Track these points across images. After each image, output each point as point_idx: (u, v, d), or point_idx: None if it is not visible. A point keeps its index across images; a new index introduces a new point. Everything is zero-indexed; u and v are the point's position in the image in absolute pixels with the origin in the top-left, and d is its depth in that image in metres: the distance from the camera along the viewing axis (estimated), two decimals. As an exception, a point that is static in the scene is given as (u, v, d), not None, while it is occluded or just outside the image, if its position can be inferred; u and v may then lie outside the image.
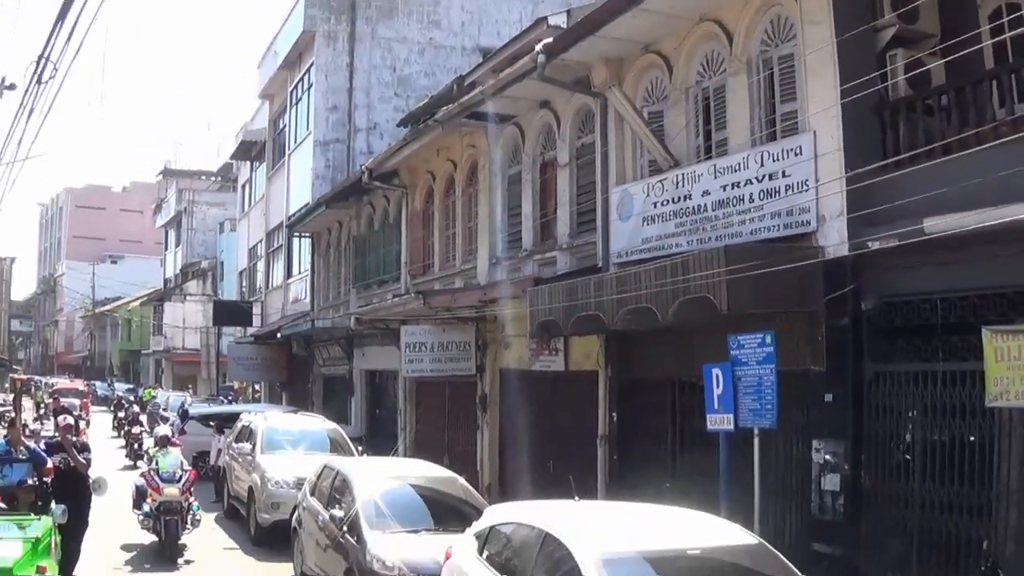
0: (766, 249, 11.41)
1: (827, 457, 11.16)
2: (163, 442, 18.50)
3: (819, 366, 11.30)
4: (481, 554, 8.89)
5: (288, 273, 38.64)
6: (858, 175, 10.53)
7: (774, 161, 11.87)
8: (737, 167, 12.49)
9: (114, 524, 17.72)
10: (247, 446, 19.51)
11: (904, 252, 10.04)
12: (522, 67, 16.30)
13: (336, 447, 19.25)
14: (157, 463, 17.81)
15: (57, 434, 15.64)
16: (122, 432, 35.37)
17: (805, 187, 11.40)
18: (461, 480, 13.71)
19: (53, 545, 12.06)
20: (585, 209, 16.54)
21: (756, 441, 10.80)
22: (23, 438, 14.18)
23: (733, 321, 11.32)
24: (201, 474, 21.57)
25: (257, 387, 43.70)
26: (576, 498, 9.26)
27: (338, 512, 12.70)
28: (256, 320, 42.50)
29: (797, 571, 7.66)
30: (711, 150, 13.70)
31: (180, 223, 67.77)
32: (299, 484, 15.93)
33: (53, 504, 12.63)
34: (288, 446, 19.11)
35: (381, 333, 23.72)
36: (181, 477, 17.41)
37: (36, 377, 68.53)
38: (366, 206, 27.97)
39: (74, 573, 13.79)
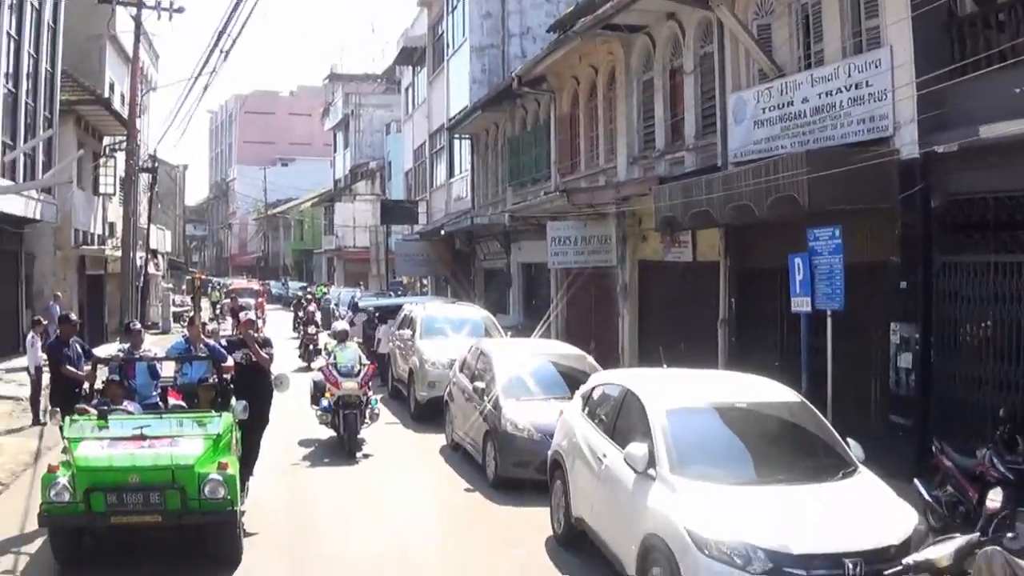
0: (843, 152, 13.33)
1: (902, 337, 13.15)
2: (341, 336, 19.20)
3: (895, 257, 13.24)
4: (583, 410, 11.29)
5: (450, 173, 41.39)
6: (927, 84, 12.31)
7: (859, 72, 13.71)
8: (829, 77, 14.35)
9: (292, 420, 18.08)
10: (408, 333, 22.28)
11: (963, 156, 11.90)
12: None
13: (487, 332, 21.71)
14: (335, 358, 18.37)
15: (237, 331, 16.00)
16: (299, 332, 36.06)
17: (884, 96, 13.23)
18: (589, 357, 16.14)
19: (234, 442, 12.56)
20: (708, 113, 18.55)
21: (829, 321, 12.88)
22: (203, 336, 14.76)
23: (821, 216, 13.31)
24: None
25: (424, 282, 46.65)
26: (664, 366, 11.60)
27: (480, 385, 15.35)
28: (422, 218, 45.51)
29: (831, 427, 9.80)
30: (810, 61, 15.55)
31: (347, 126, 71.13)
32: (452, 365, 18.40)
33: (234, 401, 13.05)
34: (444, 332, 21.64)
35: (534, 228, 26.21)
36: (359, 371, 17.90)
37: (212, 278, 73.60)
38: (519, 109, 30.30)
39: (254, 470, 14.12)
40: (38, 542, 11.63)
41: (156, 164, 42.80)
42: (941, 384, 12.80)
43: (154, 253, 46.70)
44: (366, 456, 17.11)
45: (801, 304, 13.15)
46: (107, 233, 40.84)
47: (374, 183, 64.66)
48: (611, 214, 21.91)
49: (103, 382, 13.56)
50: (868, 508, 8.30)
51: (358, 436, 17.42)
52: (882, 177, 12.92)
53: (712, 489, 8.41)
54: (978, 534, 7.26)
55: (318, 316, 35.48)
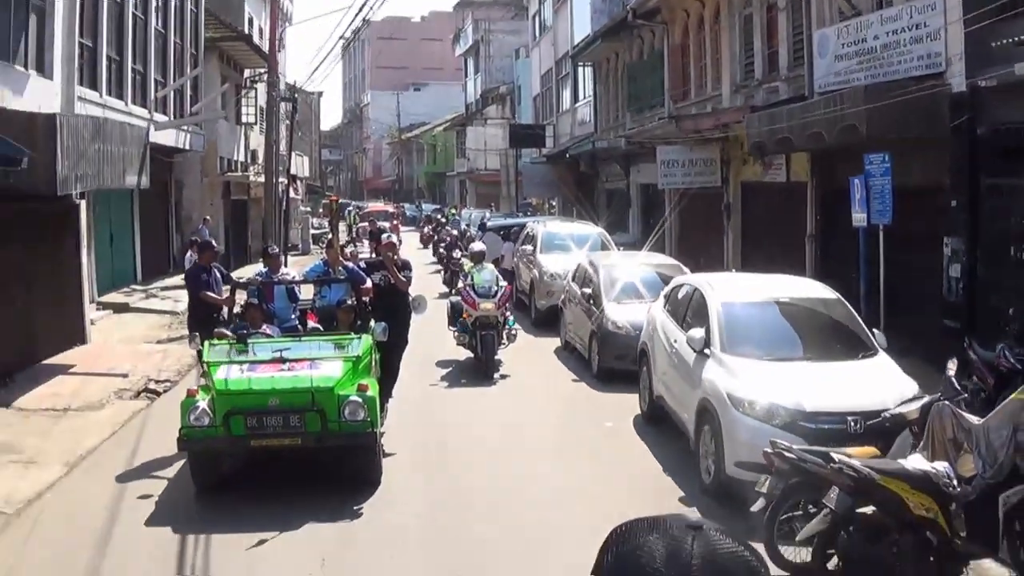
0: (899, 86, 15.43)
1: (953, 250, 15.31)
2: (478, 258, 19.63)
3: (946, 179, 15.37)
4: (664, 307, 13.85)
5: (575, 98, 43.78)
6: (974, 22, 14.34)
7: (918, 13, 15.74)
8: (895, 17, 16.40)
9: (429, 342, 18.45)
10: (529, 248, 24.98)
11: (1004, 90, 13.95)
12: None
13: (602, 247, 24.22)
14: (472, 279, 18.78)
15: (376, 254, 16.35)
16: (439, 257, 37.04)
17: (937, 35, 15.28)
18: (683, 266, 18.59)
19: (373, 364, 12.75)
20: (798, 47, 20.64)
21: (881, 235, 15.12)
22: (341, 259, 15.15)
23: (883, 143, 15.46)
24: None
25: (552, 203, 49.32)
26: (732, 270, 14.07)
27: (588, 291, 18.00)
28: (548, 142, 48.03)
29: (861, 321, 12.15)
30: (881, 2, 17.56)
31: (478, 51, 73.66)
32: (567, 276, 21.05)
33: (373, 323, 13.25)
34: (561, 247, 24.25)
35: (649, 152, 28.58)
36: (496, 292, 18.35)
37: (350, 201, 77.13)
38: (636, 39, 32.49)
39: (393, 391, 14.41)
40: (177, 465, 12.10)
41: (295, 95, 45.71)
42: (985, 291, 14.96)
43: (293, 178, 49.99)
44: (503, 377, 17.65)
45: (859, 220, 15.42)
46: (249, 160, 44.08)
47: (504, 107, 67.09)
48: (714, 139, 24.15)
49: (242, 306, 14.19)
50: (875, 381, 10.69)
51: (495, 357, 17.98)
52: (934, 109, 15.01)
53: (752, 364, 10.96)
54: (939, 395, 9.58)
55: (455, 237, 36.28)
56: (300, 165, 57.30)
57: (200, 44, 34.43)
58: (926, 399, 9.42)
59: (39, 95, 19.49)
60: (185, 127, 31.76)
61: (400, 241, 37.29)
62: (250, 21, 44.13)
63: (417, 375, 16.54)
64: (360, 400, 11.27)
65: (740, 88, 23.66)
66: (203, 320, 14.19)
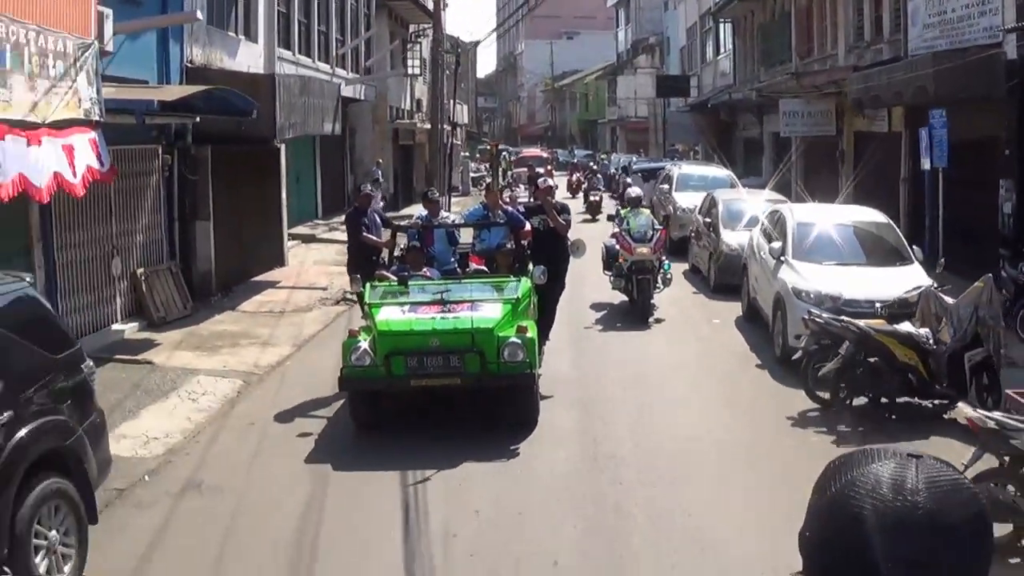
0: (963, 53, 18.93)
1: (1007, 190, 18.82)
2: (635, 203, 20.23)
3: (1002, 133, 18.87)
4: (761, 228, 17.81)
5: (716, 52, 47.29)
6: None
7: (984, -8, 19.21)
8: (969, -6, 19.88)
9: (583, 285, 19.17)
10: (666, 187, 29.01)
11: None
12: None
13: (731, 186, 27.95)
14: (628, 224, 19.31)
15: (534, 198, 16.61)
16: (589, 206, 38.56)
17: (997, 10, 18.74)
18: (787, 199, 22.30)
19: (532, 306, 13.07)
20: (898, 14, 24.08)
21: (940, 176, 18.75)
22: (500, 202, 15.39)
23: (951, 102, 19.00)
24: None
25: (696, 148, 52.93)
26: (815, 201, 17.98)
27: (709, 221, 21.96)
28: (693, 92, 51.57)
29: (904, 240, 15.85)
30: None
31: (628, 2, 77.00)
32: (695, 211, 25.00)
33: (531, 266, 13.51)
34: (693, 186, 28.09)
35: (777, 103, 32.19)
36: (652, 236, 19.00)
37: (504, 147, 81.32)
38: (768, 0, 35.98)
39: (549, 334, 14.81)
40: (335, 405, 12.84)
41: (459, 50, 49.99)
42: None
43: (454, 126, 54.44)
44: (658, 321, 18.41)
45: (925, 164, 19.07)
46: (414, 108, 48.60)
47: (653, 57, 70.23)
48: (829, 93, 27.70)
49: (402, 249, 14.52)
50: (902, 280, 14.35)
51: (651, 301, 18.74)
52: (992, 72, 18.50)
53: (813, 267, 14.93)
54: (931, 283, 13.36)
55: (600, 183, 39.79)
56: (459, 112, 61.81)
57: (372, 4, 39.05)
58: (922, 288, 13.25)
59: (247, 56, 24.20)
60: (343, 75, 36.39)
61: (556, 186, 41.07)
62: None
63: (571, 318, 17.09)
64: (519, 342, 11.63)
65: (852, 48, 27.16)
66: (363, 262, 14.85)
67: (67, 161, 12.78)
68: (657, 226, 19.63)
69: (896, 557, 1.64)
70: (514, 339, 11.62)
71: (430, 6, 41.68)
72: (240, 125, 18.98)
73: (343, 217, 19.94)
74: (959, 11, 20.18)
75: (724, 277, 20.32)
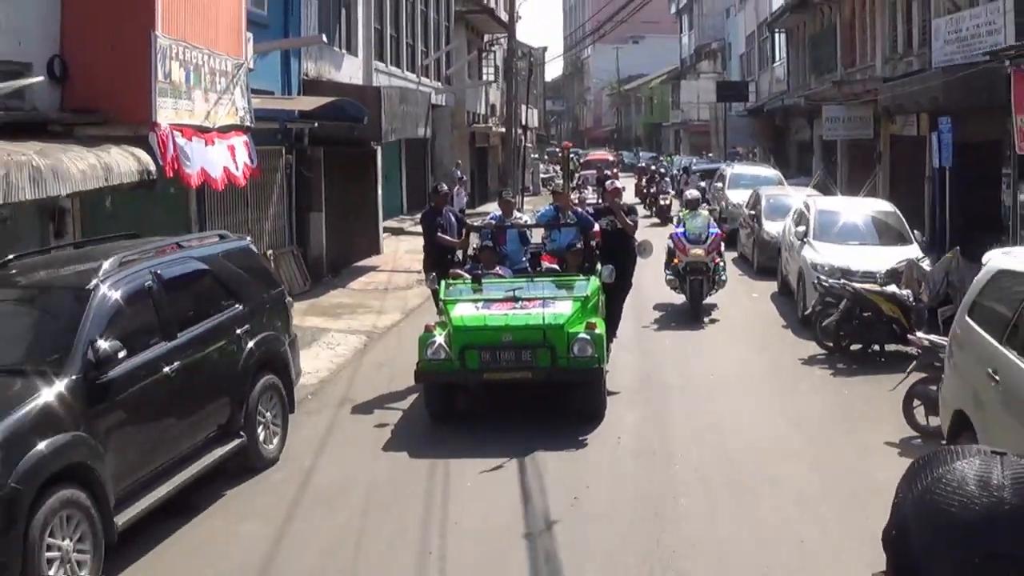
0: (969, 67, 22.08)
1: (1006, 181, 21.93)
2: (692, 204, 20.91)
3: (1004, 136, 21.98)
4: (793, 216, 21.04)
5: (772, 59, 50.45)
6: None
7: (988, 14, 22.33)
8: (978, 14, 23.00)
9: (645, 284, 19.34)
10: (720, 185, 32.39)
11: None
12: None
13: (777, 184, 31.27)
14: (685, 225, 20.02)
15: (603, 199, 17.78)
16: (648, 201, 40.39)
17: (1000, 30, 21.86)
18: (820, 195, 25.52)
19: (600, 304, 13.61)
20: (925, 30, 27.24)
21: (948, 175, 21.92)
22: (570, 204, 16.10)
23: (959, 110, 22.15)
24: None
25: (755, 151, 55.99)
26: (837, 193, 21.26)
27: (752, 212, 25.25)
28: (751, 97, 54.73)
29: (906, 225, 19.02)
30: (975, 1, 24.16)
31: (691, 9, 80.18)
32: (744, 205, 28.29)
33: (599, 265, 14.01)
34: (744, 184, 31.25)
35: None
36: (707, 238, 19.56)
37: (575, 150, 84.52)
38: (818, 13, 39.22)
39: (617, 332, 15.42)
40: (411, 398, 13.72)
41: (531, 59, 53.46)
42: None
43: (525, 129, 57.79)
44: (712, 321, 19.19)
45: (936, 162, 22.28)
46: (488, 112, 52.16)
47: (715, 62, 73.28)
48: (867, 101, 30.87)
49: (475, 248, 15.22)
50: (900, 256, 16.97)
51: (704, 302, 19.44)
52: (994, 84, 21.61)
53: (829, 246, 18.23)
54: (919, 256, 16.69)
55: (669, 187, 40.38)
56: (529, 116, 65.24)
57: (451, 18, 42.70)
58: (907, 261, 16.47)
59: (349, 69, 27.88)
60: (441, 85, 40.06)
61: (624, 188, 42.88)
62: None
63: (631, 315, 17.39)
64: (589, 338, 12.19)
65: (888, 60, 30.32)
66: (438, 261, 15.44)
67: (231, 158, 16.42)
68: (714, 228, 20.25)
69: (984, 552, 1.62)
70: (583, 335, 12.22)
71: (503, 18, 45.31)
72: (352, 130, 22.60)
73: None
74: (971, 30, 23.33)
75: (764, 260, 23.55)
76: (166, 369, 8.92)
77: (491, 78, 51.33)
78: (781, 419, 12.62)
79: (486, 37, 50.94)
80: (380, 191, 29.46)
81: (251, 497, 10.17)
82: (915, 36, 28.03)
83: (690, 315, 19.05)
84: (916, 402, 11.63)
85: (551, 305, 12.66)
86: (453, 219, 16.62)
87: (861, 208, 20.03)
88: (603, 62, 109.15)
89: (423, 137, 30.40)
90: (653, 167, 46.78)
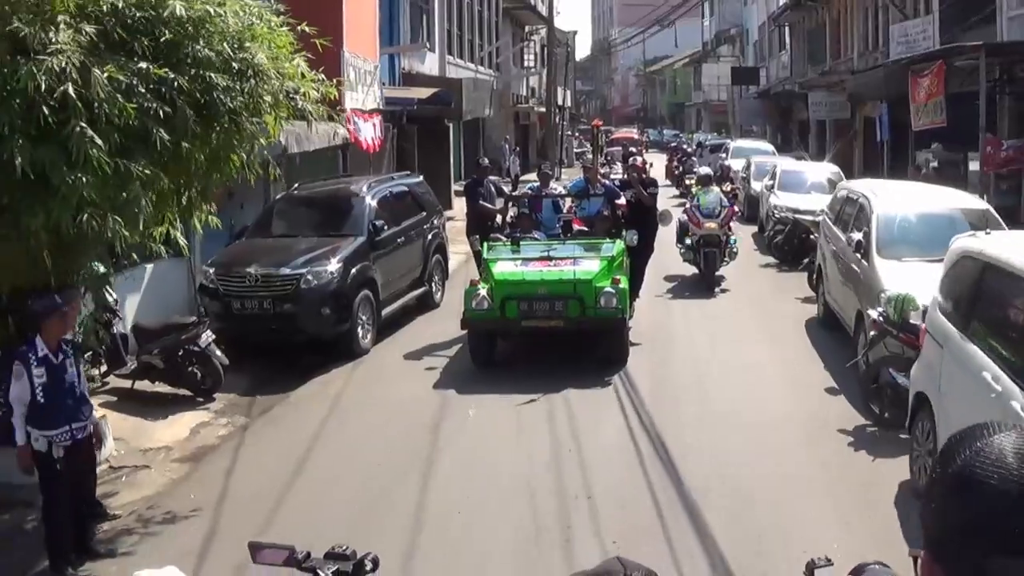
0: (907, 65, 29.79)
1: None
2: (705, 181, 22.39)
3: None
4: (770, 176, 28.82)
5: (780, 48, 58.12)
6: (946, 31, 28.58)
7: (923, 22, 29.99)
8: (917, 24, 30.63)
9: (663, 257, 20.36)
10: (723, 156, 39.93)
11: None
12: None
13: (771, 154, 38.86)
14: (698, 200, 21.16)
15: (627, 174, 19.18)
16: (677, 182, 41.75)
17: (930, 36, 29.53)
18: (812, 163, 33.16)
19: (624, 264, 15.14)
20: (887, 32, 34.90)
21: (887, 146, 29.64)
22: (599, 177, 17.99)
23: (897, 97, 29.84)
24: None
25: (766, 128, 63.30)
26: (807, 159, 29.10)
27: (744, 175, 32.90)
28: (763, 80, 62.27)
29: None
30: (917, 12, 31.84)
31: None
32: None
33: (624, 231, 15.50)
34: (744, 154, 38.06)
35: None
36: (720, 212, 20.66)
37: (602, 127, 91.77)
38: (812, 11, 46.91)
39: (639, 293, 17.14)
40: (455, 347, 15.53)
41: (568, 48, 61.04)
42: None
43: (560, 108, 65.23)
44: (723, 291, 20.31)
45: (878, 136, 30.00)
46: (529, 94, 59.90)
47: (734, 46, 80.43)
48: (843, 88, 38.61)
49: (513, 216, 17.14)
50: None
51: (716, 273, 20.51)
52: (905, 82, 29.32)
53: (786, 194, 25.91)
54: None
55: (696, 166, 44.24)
56: (565, 97, 72.85)
57: (500, 14, 50.55)
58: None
59: (430, 62, 35.77)
60: (491, 71, 47.94)
61: (647, 163, 44.81)
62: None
63: (651, 285, 19.05)
64: (613, 291, 13.74)
65: (862, 55, 38.05)
66: (479, 226, 17.66)
67: (373, 132, 24.37)
68: (726, 203, 21.63)
69: (1021, 525, 1.62)
70: (609, 289, 13.84)
71: (542, 11, 53.13)
72: (440, 112, 30.37)
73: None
74: (913, 35, 31.10)
75: (751, 211, 31.04)
76: (398, 240, 16.89)
77: (531, 64, 59.10)
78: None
79: (527, 28, 58.71)
80: (452, 160, 37.33)
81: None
82: (880, 36, 35.70)
83: (703, 285, 20.41)
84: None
85: (580, 263, 14.45)
86: (493, 189, 19.42)
87: (813, 169, 27.57)
88: (629, 43, 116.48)
89: (488, 115, 38.28)
90: (677, 145, 51.13)
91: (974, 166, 23.00)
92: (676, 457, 10.63)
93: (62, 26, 7.83)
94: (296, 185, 17.78)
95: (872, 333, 11.82)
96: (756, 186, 30.76)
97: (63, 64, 7.59)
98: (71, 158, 7.75)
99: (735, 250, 21.17)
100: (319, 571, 3.08)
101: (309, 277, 14.55)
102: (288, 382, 14.06)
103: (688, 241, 20.73)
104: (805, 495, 9.62)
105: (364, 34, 24.13)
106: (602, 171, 25.14)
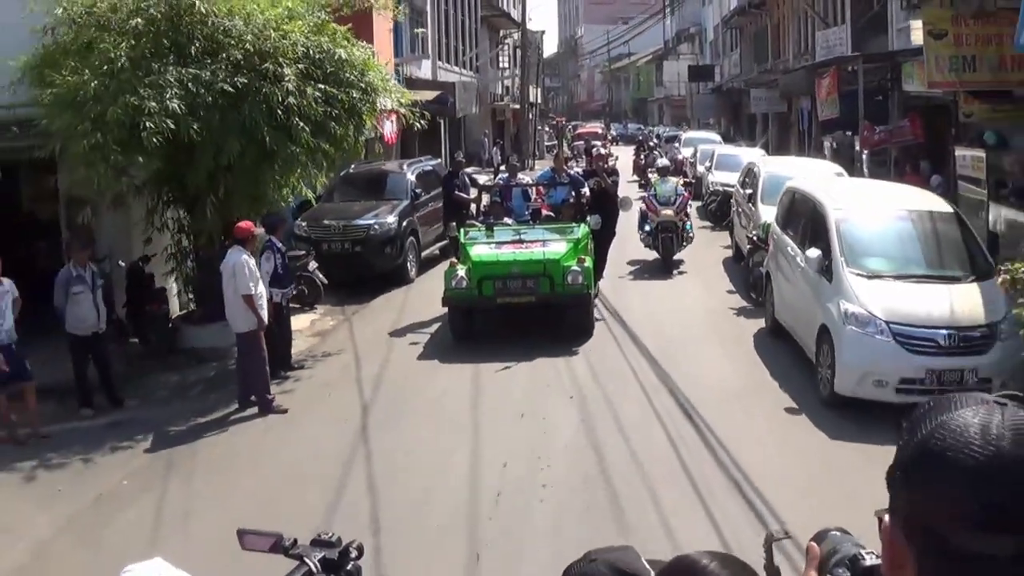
0: (818, 66, 36.80)
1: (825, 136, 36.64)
2: (664, 171, 24.05)
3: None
4: (710, 159, 35.78)
5: (732, 48, 65.20)
6: (858, 38, 35.58)
7: (838, 31, 36.98)
8: (836, 33, 37.63)
9: (625, 245, 22.09)
10: (676, 145, 46.81)
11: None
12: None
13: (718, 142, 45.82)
14: (655, 190, 22.60)
15: (589, 164, 21.88)
16: (641, 174, 43.01)
17: (843, 44, 36.53)
18: (748, 148, 40.20)
19: (589, 246, 16.88)
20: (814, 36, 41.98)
21: (807, 134, 36.68)
22: (564, 168, 19.73)
23: (809, 94, 36.87)
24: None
25: (721, 121, 70.24)
26: (742, 145, 36.10)
27: (692, 160, 39.89)
28: (718, 77, 69.26)
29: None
30: (835, 21, 38.90)
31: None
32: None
33: (588, 216, 17.27)
34: (697, 144, 45.02)
35: (759, 90, 50.25)
36: (676, 200, 21.98)
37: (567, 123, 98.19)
38: (756, 17, 53.84)
39: (603, 274, 19.10)
40: (434, 326, 17.47)
41: (538, 50, 67.81)
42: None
43: (532, 105, 71.97)
44: (680, 273, 21.96)
45: (801, 126, 37.01)
46: (504, 92, 66.70)
47: (693, 44, 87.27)
48: (780, 85, 45.56)
49: (487, 204, 19.04)
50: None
51: (674, 256, 22.12)
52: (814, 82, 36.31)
53: (722, 172, 32.85)
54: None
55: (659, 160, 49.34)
56: (536, 95, 79.70)
57: (479, 21, 57.45)
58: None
59: (424, 67, 42.57)
60: (470, 73, 54.78)
61: (610, 154, 42.42)
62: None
63: (612, 268, 20.60)
64: (579, 269, 15.34)
65: (796, 56, 45.02)
66: (455, 214, 20.00)
67: (392, 128, 31.10)
68: (681, 191, 23.13)
69: (981, 500, 1.64)
70: (575, 267, 15.33)
71: (515, 16, 60.08)
72: (438, 110, 37.02)
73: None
74: (832, 41, 37.99)
75: (696, 188, 36.92)
76: (429, 204, 23.43)
77: (506, 65, 65.99)
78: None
79: (501, 32, 65.66)
80: (443, 150, 44.19)
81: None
82: (810, 41, 42.65)
83: (662, 268, 22.16)
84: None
85: (549, 245, 16.13)
86: (468, 180, 22.26)
87: (744, 152, 34.34)
88: (596, 40, 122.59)
89: (474, 113, 45.22)
90: (643, 140, 53.98)
91: (858, 146, 29.68)
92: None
93: (286, 66, 14.61)
94: (352, 166, 24.46)
95: (748, 247, 18.98)
96: (700, 168, 37.47)
97: (290, 87, 14.38)
98: (291, 139, 14.55)
99: (691, 235, 23.04)
100: (306, 558, 3.10)
101: (376, 226, 21.25)
102: (364, 297, 20.67)
103: (647, 228, 22.42)
104: (707, 343, 16.27)
105: (384, 48, 30.88)
106: (568, 163, 26.25)
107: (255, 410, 13.39)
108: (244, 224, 13.96)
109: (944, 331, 12.08)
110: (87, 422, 13.30)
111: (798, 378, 13.81)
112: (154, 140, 13.02)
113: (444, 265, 18.77)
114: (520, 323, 16.35)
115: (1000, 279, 12.56)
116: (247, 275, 13.45)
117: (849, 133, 30.95)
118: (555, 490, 10.31)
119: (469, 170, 26.45)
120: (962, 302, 12.53)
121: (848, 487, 9.72)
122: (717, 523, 9.21)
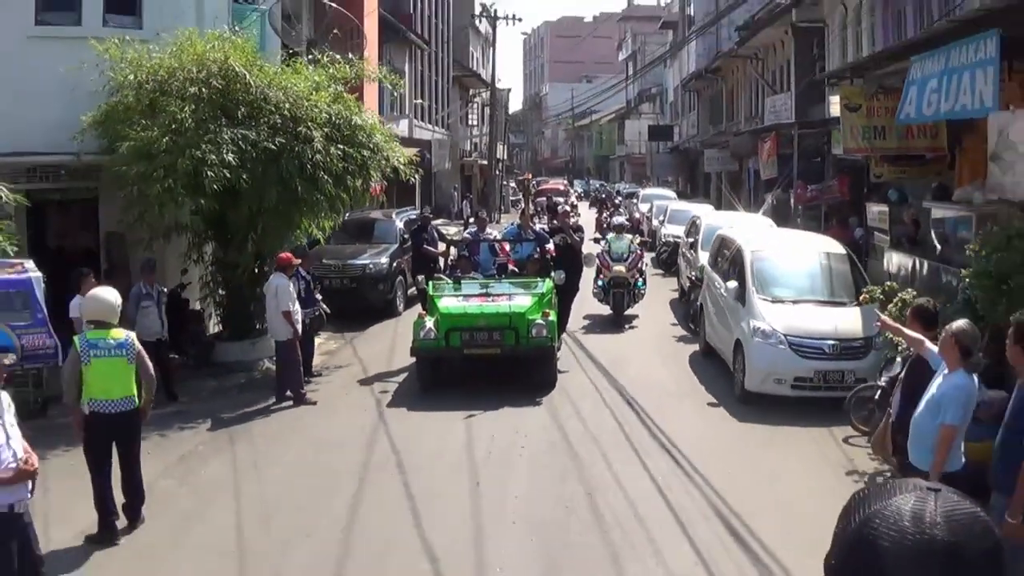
0: (770, 130, 40.96)
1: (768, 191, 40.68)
2: (619, 229, 24.78)
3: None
4: (663, 213, 39.71)
5: (690, 109, 69.48)
6: (801, 104, 39.74)
7: (783, 100, 41.19)
8: (778, 99, 41.83)
9: (584, 299, 23.25)
10: (635, 201, 50.63)
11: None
12: None
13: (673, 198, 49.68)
14: (610, 246, 23.44)
15: (555, 221, 22.20)
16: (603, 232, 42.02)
17: (788, 111, 40.70)
18: (699, 204, 44.14)
19: (553, 300, 17.59)
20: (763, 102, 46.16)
21: (752, 190, 40.76)
22: (529, 224, 20.54)
23: (754, 155, 40.96)
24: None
25: (679, 179, 74.33)
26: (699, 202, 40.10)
27: (648, 214, 43.80)
28: (677, 137, 73.52)
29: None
30: (783, 87, 43.12)
31: (635, 59, 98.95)
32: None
33: (553, 272, 17.97)
34: (652, 201, 49.05)
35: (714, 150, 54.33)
36: (628, 257, 22.82)
37: (535, 178, 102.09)
38: (713, 81, 58.12)
39: (566, 328, 20.44)
40: (401, 376, 18.35)
41: (505, 109, 72.01)
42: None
43: (499, 161, 75.96)
44: (632, 328, 22.81)
45: (748, 184, 41.10)
46: (472, 149, 70.86)
47: (655, 104, 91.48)
48: (731, 146, 49.58)
49: (454, 258, 19.62)
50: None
51: (625, 312, 22.94)
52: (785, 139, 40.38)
53: (672, 226, 36.59)
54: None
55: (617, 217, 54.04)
56: (503, 151, 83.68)
57: (451, 82, 61.56)
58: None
59: (402, 125, 46.42)
60: (442, 131, 58.80)
61: (575, 206, 49.01)
62: (472, 54, 71.25)
63: (571, 326, 21.86)
64: (543, 323, 16.05)
65: (747, 119, 49.13)
66: (423, 267, 21.10)
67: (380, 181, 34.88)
68: (635, 248, 23.96)
69: None
70: (540, 321, 16.05)
71: (484, 76, 64.16)
72: (419, 165, 40.76)
73: (434, 221, 27.76)
74: (778, 107, 41.99)
75: (652, 240, 40.93)
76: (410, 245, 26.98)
77: (475, 123, 70.08)
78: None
79: (471, 91, 69.79)
80: (417, 202, 47.94)
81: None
82: (760, 106, 46.74)
83: (613, 321, 23.24)
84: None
85: (515, 299, 16.75)
86: (436, 234, 24.17)
87: (694, 208, 37.85)
88: (559, 99, 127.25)
89: (446, 168, 49.10)
90: (606, 198, 58.48)
91: (793, 202, 33.57)
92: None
93: (315, 129, 18.26)
94: (347, 215, 28.01)
95: (688, 286, 22.92)
96: (655, 222, 41.30)
97: (317, 147, 18.05)
98: (316, 187, 18.22)
99: (642, 292, 23.96)
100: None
101: (371, 266, 24.83)
102: (360, 326, 24.05)
103: (600, 283, 23.44)
104: (650, 360, 19.73)
105: (371, 102, 34.70)
106: (532, 219, 26.52)
107: (290, 403, 16.71)
108: (285, 255, 17.52)
109: (830, 342, 15.83)
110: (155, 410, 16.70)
111: (720, 383, 17.52)
112: (214, 186, 16.49)
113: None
114: (485, 373, 17.42)
115: (862, 297, 16.48)
116: (287, 296, 16.89)
117: (788, 191, 34.79)
118: (531, 437, 14.20)
119: (438, 222, 29.15)
120: (845, 321, 16.25)
121: (754, 456, 13.73)
122: (654, 477, 12.71)
